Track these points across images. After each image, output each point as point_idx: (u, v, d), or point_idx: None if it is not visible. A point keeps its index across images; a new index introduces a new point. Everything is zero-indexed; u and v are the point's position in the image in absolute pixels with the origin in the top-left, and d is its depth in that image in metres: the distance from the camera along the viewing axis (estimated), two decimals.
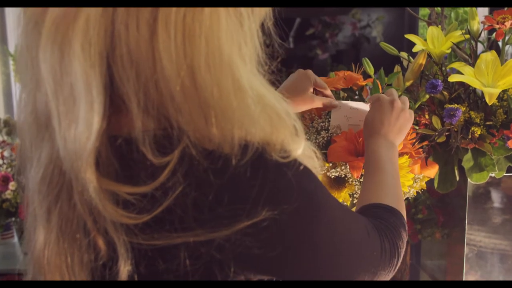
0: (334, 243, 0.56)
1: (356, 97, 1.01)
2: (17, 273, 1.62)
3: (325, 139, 0.93)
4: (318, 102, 0.93)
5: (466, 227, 1.07)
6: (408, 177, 0.91)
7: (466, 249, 1.08)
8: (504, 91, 0.96)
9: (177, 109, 0.48)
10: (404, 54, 1.09)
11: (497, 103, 0.96)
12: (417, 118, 1.01)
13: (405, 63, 1.10)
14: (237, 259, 0.50)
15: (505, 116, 0.96)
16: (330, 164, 0.90)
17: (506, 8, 1.01)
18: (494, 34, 1.00)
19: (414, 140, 0.95)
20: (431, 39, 1.02)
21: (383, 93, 0.91)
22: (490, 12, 1.09)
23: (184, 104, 0.48)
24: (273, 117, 0.52)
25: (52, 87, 0.48)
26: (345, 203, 0.93)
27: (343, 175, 0.90)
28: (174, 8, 0.47)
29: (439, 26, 1.07)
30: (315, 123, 0.96)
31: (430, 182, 1.01)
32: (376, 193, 0.75)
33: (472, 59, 1.01)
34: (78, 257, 0.52)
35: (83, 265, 0.53)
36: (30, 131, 0.53)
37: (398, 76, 1.04)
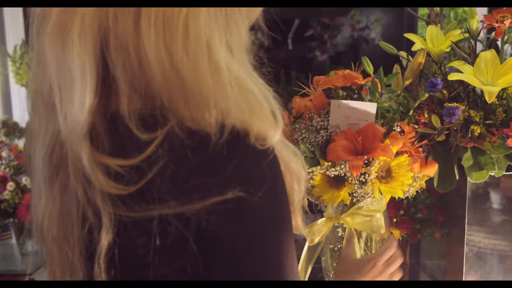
0: (279, 232, 0.59)
1: (355, 96, 1.01)
2: (15, 274, 1.62)
3: (325, 138, 0.93)
4: None
5: (465, 226, 1.07)
6: (408, 176, 0.91)
7: (465, 249, 1.08)
8: (503, 90, 0.96)
9: (160, 90, 0.55)
10: (403, 53, 1.09)
11: (496, 102, 0.96)
12: (417, 117, 1.01)
13: (404, 62, 1.10)
14: (197, 237, 0.54)
15: (505, 114, 0.95)
16: (330, 163, 0.90)
17: (505, 8, 1.01)
18: (493, 33, 1.00)
19: (414, 139, 0.95)
20: (430, 38, 1.02)
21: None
22: (489, 12, 1.09)
23: (165, 85, 0.54)
24: (251, 101, 0.56)
25: (54, 70, 0.56)
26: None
27: (343, 174, 0.90)
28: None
29: (438, 25, 1.07)
30: (314, 122, 0.96)
31: (429, 181, 1.01)
32: None
33: (471, 58, 1.01)
34: (74, 228, 0.58)
35: (78, 237, 0.58)
36: (38, 109, 0.61)
37: (398, 76, 1.04)
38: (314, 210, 1.01)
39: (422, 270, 1.36)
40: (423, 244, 1.36)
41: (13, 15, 2.56)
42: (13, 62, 2.52)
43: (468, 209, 1.06)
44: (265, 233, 0.58)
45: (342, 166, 0.89)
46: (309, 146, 0.93)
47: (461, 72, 0.95)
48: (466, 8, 1.15)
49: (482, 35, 1.06)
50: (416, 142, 0.95)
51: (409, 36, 1.05)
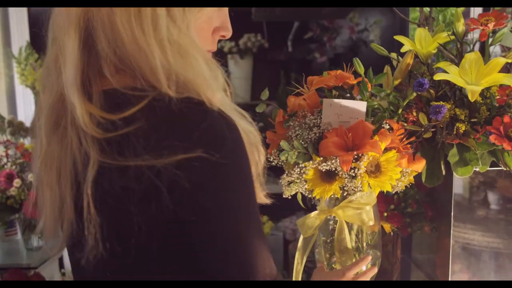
0: (244, 187, 0.71)
1: (347, 95, 1.06)
2: (21, 268, 1.66)
3: (317, 135, 0.98)
4: None
5: (452, 220, 1.11)
6: (396, 171, 0.95)
7: (451, 242, 1.12)
8: (487, 89, 1.01)
9: (136, 64, 0.69)
10: (394, 55, 1.14)
11: (481, 101, 1.01)
12: (405, 115, 1.05)
13: (394, 63, 1.14)
14: (170, 189, 0.66)
15: (488, 113, 1.00)
16: (321, 158, 0.95)
17: (491, 10, 1.06)
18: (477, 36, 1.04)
19: (402, 136, 1.00)
20: (419, 40, 1.07)
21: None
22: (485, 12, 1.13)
23: (139, 61, 0.69)
24: (197, 68, 0.70)
25: (61, 47, 0.73)
26: None
27: (334, 169, 0.95)
28: None
29: (427, 27, 1.12)
30: (307, 120, 1.01)
31: (418, 176, 1.05)
32: None
33: (458, 59, 1.06)
34: (66, 171, 0.72)
35: (69, 178, 0.72)
36: (49, 78, 0.76)
37: (388, 76, 1.08)
38: (308, 205, 1.05)
39: (414, 264, 1.41)
40: (414, 239, 1.40)
41: (18, 18, 2.61)
42: (18, 64, 2.56)
43: (454, 204, 1.10)
44: (230, 189, 0.69)
45: (333, 161, 0.94)
46: (303, 143, 0.97)
47: (447, 72, 1.00)
48: (453, 11, 1.20)
49: (470, 37, 1.11)
50: (404, 139, 0.99)
51: (399, 38, 1.09)
